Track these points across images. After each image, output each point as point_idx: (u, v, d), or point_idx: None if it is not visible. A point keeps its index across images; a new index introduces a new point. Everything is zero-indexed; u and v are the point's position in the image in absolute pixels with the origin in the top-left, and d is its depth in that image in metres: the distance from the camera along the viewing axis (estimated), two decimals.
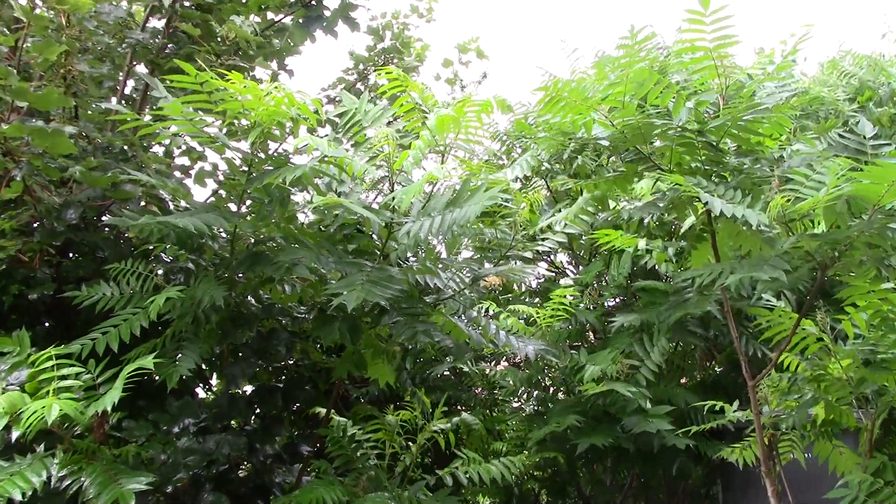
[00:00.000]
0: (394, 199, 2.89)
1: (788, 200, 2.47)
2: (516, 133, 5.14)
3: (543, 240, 3.72)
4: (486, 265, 3.73)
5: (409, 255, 3.68)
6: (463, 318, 3.51)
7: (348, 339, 3.22)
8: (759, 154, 2.82)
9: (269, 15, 4.90)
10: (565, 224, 3.50)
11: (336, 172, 3.13)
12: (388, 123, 3.33)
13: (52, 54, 3.49)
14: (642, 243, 4.12)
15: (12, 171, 3.52)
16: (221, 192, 4.35)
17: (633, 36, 2.55)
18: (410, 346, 4.61)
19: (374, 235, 3.33)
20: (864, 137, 2.73)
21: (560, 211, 3.94)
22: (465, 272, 3.47)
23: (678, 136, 2.67)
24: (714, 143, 2.73)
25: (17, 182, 3.53)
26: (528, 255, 3.64)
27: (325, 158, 3.00)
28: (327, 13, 4.79)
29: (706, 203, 2.53)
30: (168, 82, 2.99)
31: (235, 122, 3.24)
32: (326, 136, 3.45)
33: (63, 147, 3.39)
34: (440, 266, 3.46)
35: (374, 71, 6.25)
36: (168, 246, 3.42)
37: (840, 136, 2.72)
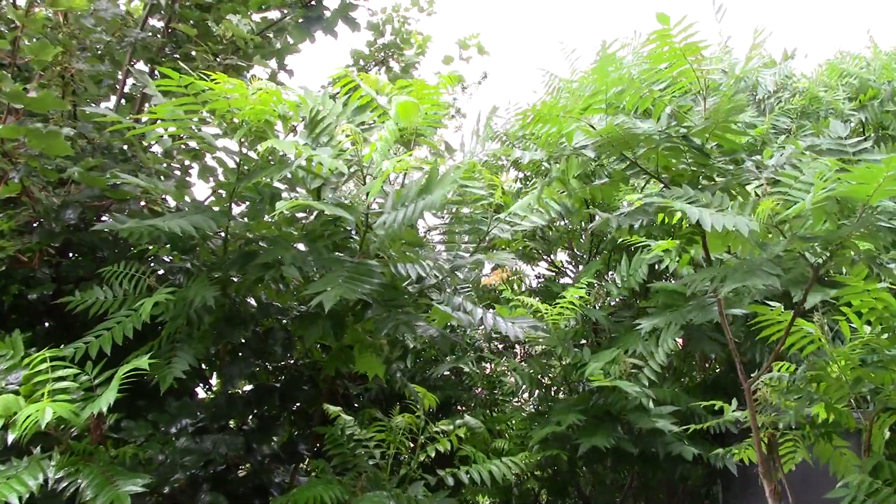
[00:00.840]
0: (365, 192, 2.90)
1: (778, 203, 2.45)
2: (516, 134, 5.13)
3: (523, 219, 3.73)
4: (487, 265, 3.74)
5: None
6: (447, 306, 3.50)
7: (331, 336, 3.22)
8: (738, 154, 2.79)
9: (270, 15, 4.90)
10: (531, 207, 3.53)
11: (310, 168, 3.13)
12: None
13: (48, 55, 3.50)
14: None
15: (9, 173, 3.53)
16: (221, 191, 4.36)
17: (604, 49, 2.57)
18: (411, 346, 4.61)
19: (352, 231, 3.33)
20: (841, 138, 2.72)
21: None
22: (446, 262, 3.48)
23: (662, 140, 2.66)
24: (699, 147, 2.71)
25: (14, 183, 3.54)
26: (507, 235, 3.66)
27: (306, 157, 2.99)
28: (327, 13, 4.79)
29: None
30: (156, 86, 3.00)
31: (231, 121, 3.24)
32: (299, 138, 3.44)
33: (59, 149, 3.39)
34: (423, 256, 3.47)
35: (375, 65, 6.24)
36: (162, 247, 3.43)
37: (831, 137, 2.71)
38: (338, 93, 3.30)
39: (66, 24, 3.80)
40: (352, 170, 3.08)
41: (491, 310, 3.62)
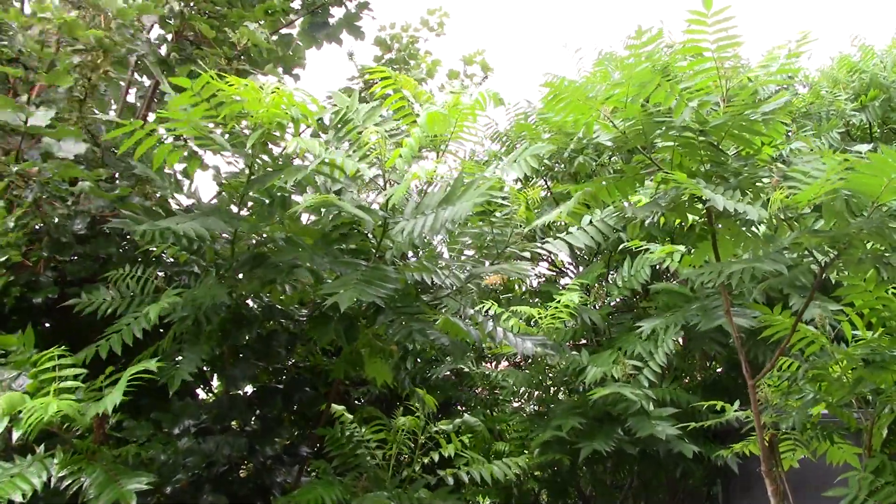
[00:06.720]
0: (387, 197, 2.89)
1: (788, 196, 2.47)
2: (517, 133, 5.13)
3: (544, 242, 3.70)
4: (486, 264, 3.71)
5: (408, 253, 3.67)
6: (462, 316, 3.51)
7: (343, 339, 3.22)
8: (758, 160, 2.81)
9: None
10: (568, 231, 3.49)
11: (330, 172, 3.13)
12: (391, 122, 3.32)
13: (64, 83, 3.54)
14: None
15: (24, 194, 3.56)
16: (224, 193, 4.34)
17: (638, 35, 2.55)
18: (411, 347, 4.61)
19: (369, 235, 3.33)
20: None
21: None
22: (462, 271, 3.46)
23: (679, 136, 2.67)
24: (715, 144, 2.73)
25: (27, 202, 3.57)
26: (527, 254, 3.63)
27: (322, 160, 2.99)
28: (332, 21, 4.82)
29: (707, 201, 2.53)
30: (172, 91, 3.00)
31: (237, 126, 3.23)
32: (325, 138, 3.44)
33: (73, 172, 3.46)
34: (439, 265, 3.46)
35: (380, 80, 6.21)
36: (169, 247, 3.43)
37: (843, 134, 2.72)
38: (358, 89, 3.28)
39: (108, 29, 3.78)
40: (372, 173, 3.06)
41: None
